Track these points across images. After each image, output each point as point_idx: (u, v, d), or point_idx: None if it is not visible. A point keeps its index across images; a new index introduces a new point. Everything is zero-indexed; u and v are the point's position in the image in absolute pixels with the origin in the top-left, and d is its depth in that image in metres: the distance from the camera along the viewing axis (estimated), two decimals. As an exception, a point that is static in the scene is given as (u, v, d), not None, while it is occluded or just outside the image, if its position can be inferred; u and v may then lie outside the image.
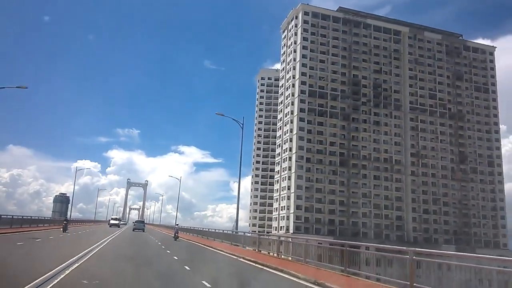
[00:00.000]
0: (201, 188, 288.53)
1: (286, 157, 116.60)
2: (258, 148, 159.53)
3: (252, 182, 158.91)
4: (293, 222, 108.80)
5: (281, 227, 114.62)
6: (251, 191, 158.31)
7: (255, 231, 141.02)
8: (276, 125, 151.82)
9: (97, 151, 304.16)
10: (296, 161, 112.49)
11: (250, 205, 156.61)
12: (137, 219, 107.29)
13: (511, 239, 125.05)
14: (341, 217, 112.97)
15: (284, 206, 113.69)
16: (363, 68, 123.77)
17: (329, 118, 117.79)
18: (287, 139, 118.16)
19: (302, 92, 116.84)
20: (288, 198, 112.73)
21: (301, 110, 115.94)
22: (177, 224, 47.11)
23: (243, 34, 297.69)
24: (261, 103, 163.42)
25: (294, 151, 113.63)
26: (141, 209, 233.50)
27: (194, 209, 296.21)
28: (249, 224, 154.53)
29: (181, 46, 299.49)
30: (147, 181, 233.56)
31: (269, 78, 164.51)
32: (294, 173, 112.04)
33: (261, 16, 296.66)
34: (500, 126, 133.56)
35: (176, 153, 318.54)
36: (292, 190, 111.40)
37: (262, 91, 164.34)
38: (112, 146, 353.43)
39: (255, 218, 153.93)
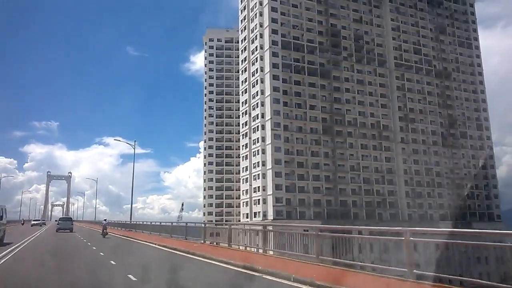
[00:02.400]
0: (129, 180, 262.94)
1: (257, 126, 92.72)
2: (211, 123, 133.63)
3: (205, 164, 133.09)
4: (273, 206, 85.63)
5: (255, 213, 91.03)
6: (204, 173, 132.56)
7: (211, 221, 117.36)
8: (234, 94, 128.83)
9: (12, 147, 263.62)
10: (272, 129, 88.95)
11: (204, 190, 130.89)
12: (62, 216, 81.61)
13: (503, 208, 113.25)
14: (328, 196, 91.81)
15: (259, 187, 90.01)
16: (342, 17, 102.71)
17: (307, 76, 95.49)
18: (256, 103, 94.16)
19: (273, 43, 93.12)
20: (264, 176, 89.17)
21: (274, 66, 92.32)
22: (105, 219, 39.28)
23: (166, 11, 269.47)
24: (211, 69, 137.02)
25: (269, 117, 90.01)
26: (65, 205, 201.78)
27: (123, 202, 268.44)
28: (204, 213, 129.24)
29: (100, 29, 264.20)
30: (70, 173, 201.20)
31: (218, 40, 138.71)
32: (270, 145, 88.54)
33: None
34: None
35: (100, 145, 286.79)
36: (269, 166, 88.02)
37: (211, 55, 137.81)
38: (28, 140, 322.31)
39: (210, 205, 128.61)
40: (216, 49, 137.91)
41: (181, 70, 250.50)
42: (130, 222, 46.25)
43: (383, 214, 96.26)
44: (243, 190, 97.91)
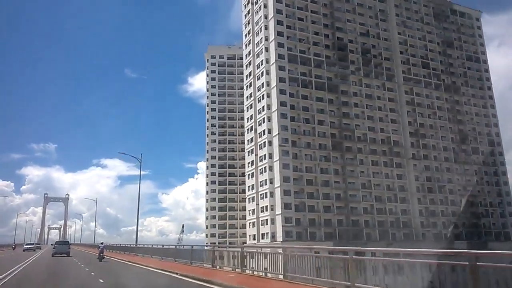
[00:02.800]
0: (127, 202, 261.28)
1: (264, 142, 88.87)
2: (213, 141, 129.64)
3: (207, 183, 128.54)
4: (282, 226, 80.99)
5: (262, 234, 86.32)
6: (207, 193, 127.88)
7: (214, 243, 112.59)
8: (236, 111, 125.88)
9: (9, 169, 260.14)
10: (279, 145, 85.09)
11: (207, 210, 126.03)
12: (58, 240, 77.21)
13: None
14: (339, 216, 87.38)
15: (266, 206, 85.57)
16: (349, 30, 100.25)
17: (315, 90, 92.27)
18: (262, 119, 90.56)
19: (280, 56, 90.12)
20: (272, 195, 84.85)
21: (281, 80, 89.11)
22: (102, 243, 36.81)
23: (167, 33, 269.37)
24: (213, 87, 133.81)
25: (276, 133, 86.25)
26: (62, 228, 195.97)
27: (121, 225, 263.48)
28: (207, 234, 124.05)
29: (98, 52, 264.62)
30: (68, 195, 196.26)
31: (220, 57, 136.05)
32: (278, 161, 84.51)
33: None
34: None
35: (98, 166, 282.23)
36: (277, 183, 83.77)
37: (213, 71, 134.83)
38: (26, 162, 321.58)
39: (213, 226, 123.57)
40: (218, 66, 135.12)
41: (179, 91, 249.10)
42: (136, 245, 41.47)
43: (397, 234, 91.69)
44: (249, 210, 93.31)
